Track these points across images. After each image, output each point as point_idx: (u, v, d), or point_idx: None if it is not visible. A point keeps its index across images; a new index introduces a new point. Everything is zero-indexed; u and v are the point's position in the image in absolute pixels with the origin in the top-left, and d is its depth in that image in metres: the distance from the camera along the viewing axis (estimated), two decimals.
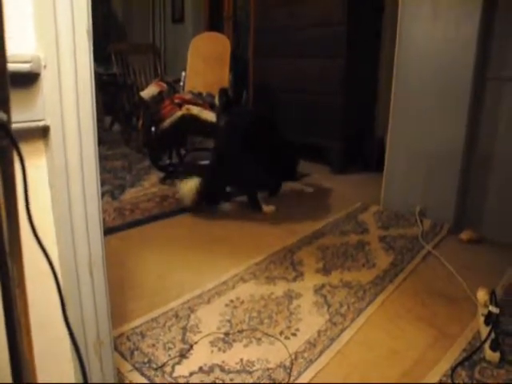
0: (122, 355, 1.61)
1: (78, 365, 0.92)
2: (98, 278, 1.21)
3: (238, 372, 1.54)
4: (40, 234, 0.72)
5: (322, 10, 3.87)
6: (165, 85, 4.03)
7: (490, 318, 1.84)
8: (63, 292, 0.83)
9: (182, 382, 1.50)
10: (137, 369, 1.55)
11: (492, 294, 1.93)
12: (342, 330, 1.80)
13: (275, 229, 2.77)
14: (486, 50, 2.68)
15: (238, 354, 1.64)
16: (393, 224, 2.91)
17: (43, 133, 1.06)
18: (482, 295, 1.97)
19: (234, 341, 1.71)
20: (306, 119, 4.17)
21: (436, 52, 2.80)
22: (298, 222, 2.88)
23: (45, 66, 1.00)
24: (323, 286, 2.12)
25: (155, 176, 3.68)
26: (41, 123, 1.03)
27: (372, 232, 2.77)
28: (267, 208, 3.02)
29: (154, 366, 1.57)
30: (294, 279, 2.16)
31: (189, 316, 1.85)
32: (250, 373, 1.54)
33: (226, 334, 1.74)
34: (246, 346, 1.68)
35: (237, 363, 1.59)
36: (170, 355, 1.62)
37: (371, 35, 4.10)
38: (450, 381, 1.57)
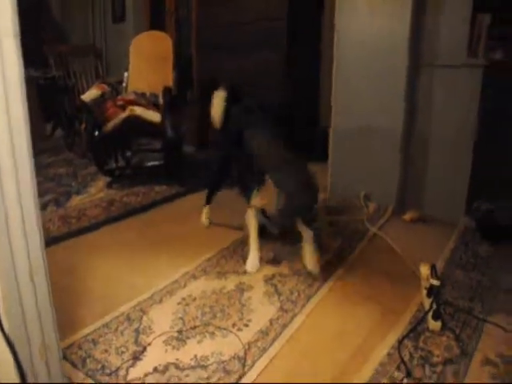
0: (74, 365, 1.58)
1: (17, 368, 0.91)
2: (40, 284, 1.20)
3: (193, 368, 1.56)
4: None
5: (264, 4, 3.90)
6: (107, 86, 3.95)
7: (431, 291, 1.93)
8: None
9: (137, 383, 1.50)
10: (90, 376, 1.53)
11: (433, 267, 2.03)
12: (293, 317, 1.84)
13: (231, 220, 2.78)
14: (418, 40, 2.80)
15: (192, 350, 1.65)
16: (339, 210, 2.99)
17: None
18: (424, 270, 2.06)
19: (188, 338, 1.72)
20: None
21: (373, 43, 2.88)
22: None
23: None
24: (273, 275, 2.16)
25: (102, 181, 3.61)
26: None
27: (319, 219, 2.83)
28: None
29: (108, 371, 1.56)
30: (245, 272, 2.19)
31: (141, 318, 1.84)
32: (205, 367, 1.56)
33: (179, 331, 1.75)
34: (199, 341, 1.70)
35: (191, 359, 1.60)
36: (123, 359, 1.61)
37: (312, 29, 4.16)
38: (397, 353, 1.64)
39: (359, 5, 2.88)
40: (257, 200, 2.11)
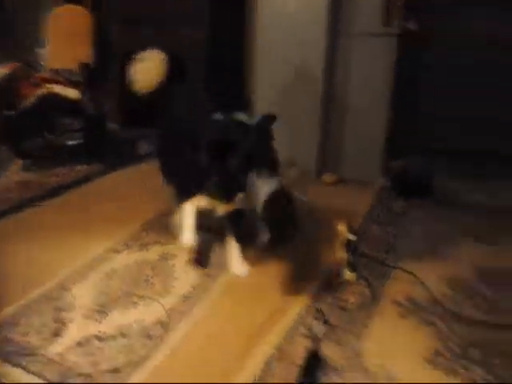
0: None
1: None
2: None
3: (114, 337, 1.56)
4: None
5: None
6: (18, 65, 3.73)
7: (349, 245, 2.03)
8: None
9: (57, 359, 1.48)
10: (8, 361, 1.49)
11: (349, 224, 2.13)
12: (215, 281, 1.88)
13: (153, 196, 2.74)
14: (336, 9, 2.86)
15: (115, 321, 1.65)
16: None
17: None
18: (341, 227, 2.15)
19: (110, 310, 1.71)
20: None
21: (293, 14, 2.91)
22: None
23: None
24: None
25: (17, 164, 3.43)
26: None
27: None
28: None
29: (27, 352, 1.52)
30: (169, 241, 2.19)
31: (63, 295, 1.80)
32: (127, 335, 1.57)
33: (101, 305, 1.74)
34: (122, 312, 1.70)
35: (113, 329, 1.60)
36: (44, 338, 1.57)
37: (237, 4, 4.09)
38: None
39: None
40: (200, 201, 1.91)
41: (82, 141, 3.68)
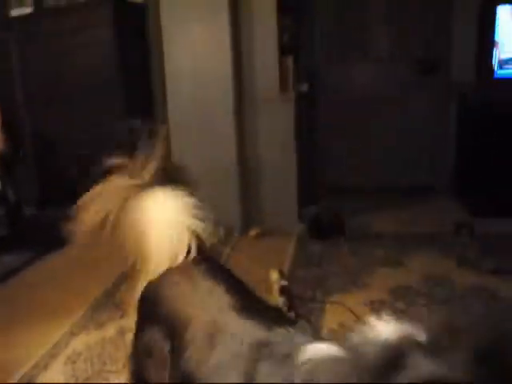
0: None
1: None
2: None
3: None
4: None
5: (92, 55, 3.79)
6: None
7: (283, 290, 2.35)
8: None
9: None
10: None
11: (280, 271, 2.46)
12: None
13: (92, 271, 2.86)
14: (239, 77, 3.30)
15: None
16: None
17: None
18: (273, 274, 2.47)
19: None
20: None
21: (201, 82, 3.27)
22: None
23: None
24: None
25: None
26: None
27: None
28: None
29: None
30: (121, 316, 2.36)
31: None
32: None
33: None
34: None
35: None
36: None
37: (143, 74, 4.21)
38: None
39: (184, 45, 3.26)
40: None
41: (6, 230, 3.68)
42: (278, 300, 2.34)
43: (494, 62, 3.51)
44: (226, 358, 0.92)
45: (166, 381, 1.08)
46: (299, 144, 3.41)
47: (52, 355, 2.10)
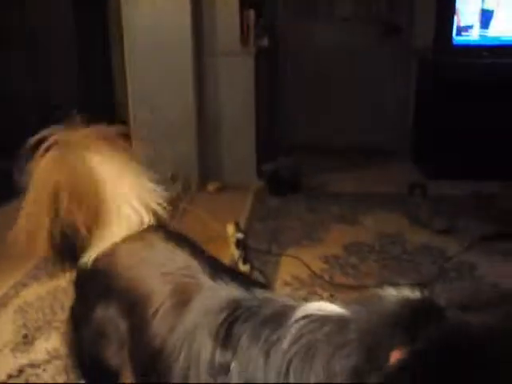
0: None
1: None
2: None
3: (49, 361, 1.69)
4: None
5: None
6: None
7: (239, 243, 2.36)
8: None
9: None
10: None
11: (236, 224, 2.46)
12: None
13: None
14: (199, 33, 3.19)
15: (43, 347, 1.77)
16: None
17: None
18: (229, 228, 2.47)
19: (35, 339, 1.82)
20: None
21: (160, 38, 3.14)
22: None
23: None
24: None
25: None
26: None
27: None
28: None
29: None
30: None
31: None
32: (60, 356, 1.71)
33: (25, 336, 1.84)
34: (47, 338, 1.82)
35: (45, 355, 1.73)
36: None
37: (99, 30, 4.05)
38: None
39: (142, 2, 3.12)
40: None
41: None
42: (234, 253, 2.36)
43: (452, 29, 3.53)
44: (197, 321, 0.85)
45: (127, 361, 1.00)
46: (259, 99, 3.37)
47: (2, 304, 2.06)
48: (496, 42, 3.54)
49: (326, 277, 2.18)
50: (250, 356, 0.76)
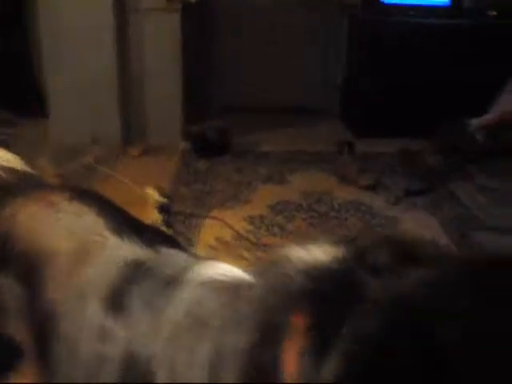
0: None
1: None
2: None
3: None
4: None
5: None
6: None
7: (161, 207, 2.23)
8: None
9: None
10: None
11: (159, 188, 2.32)
12: None
13: None
14: None
15: None
16: (68, 159, 3.01)
17: None
18: (150, 192, 2.33)
19: None
20: None
21: None
22: None
23: None
24: None
25: None
26: None
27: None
28: None
29: None
30: None
31: None
32: None
33: None
34: None
35: None
36: None
37: None
38: None
39: None
40: None
41: None
42: (155, 217, 2.23)
43: None
44: (90, 282, 0.77)
45: (25, 331, 0.88)
46: (186, 58, 3.18)
47: None
48: (423, 2, 3.61)
49: (252, 238, 2.11)
50: (140, 324, 0.69)
